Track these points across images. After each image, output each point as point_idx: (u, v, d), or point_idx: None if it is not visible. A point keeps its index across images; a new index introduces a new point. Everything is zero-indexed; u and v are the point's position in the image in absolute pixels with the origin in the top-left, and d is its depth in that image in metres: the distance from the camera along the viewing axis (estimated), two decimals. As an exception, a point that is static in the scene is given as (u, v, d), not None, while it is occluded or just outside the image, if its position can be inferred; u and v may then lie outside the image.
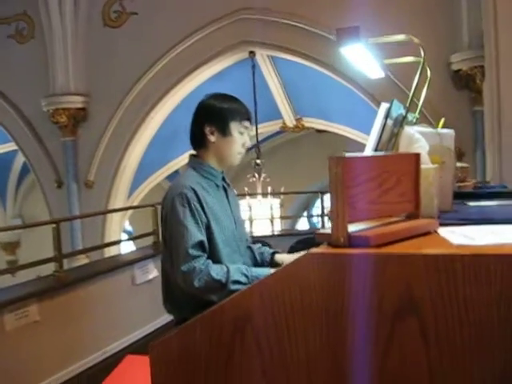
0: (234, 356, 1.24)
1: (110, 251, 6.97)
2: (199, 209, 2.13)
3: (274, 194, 7.28)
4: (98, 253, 6.43)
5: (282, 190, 7.47)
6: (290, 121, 9.55)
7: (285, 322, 1.19)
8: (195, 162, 2.30)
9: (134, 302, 4.23)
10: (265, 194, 7.25)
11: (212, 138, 2.23)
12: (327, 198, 7.59)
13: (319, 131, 11.49)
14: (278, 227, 7.00)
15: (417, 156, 1.46)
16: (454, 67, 6.50)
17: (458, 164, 2.39)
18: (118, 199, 8.65)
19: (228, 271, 2.08)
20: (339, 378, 1.17)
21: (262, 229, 6.61)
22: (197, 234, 2.09)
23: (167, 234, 2.19)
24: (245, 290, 1.25)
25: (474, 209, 1.92)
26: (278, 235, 6.40)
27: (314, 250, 1.20)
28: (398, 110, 1.79)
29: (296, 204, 12.93)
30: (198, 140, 2.28)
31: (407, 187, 1.43)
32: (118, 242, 5.58)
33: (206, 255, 2.11)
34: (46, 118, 8.55)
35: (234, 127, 2.24)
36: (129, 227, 12.50)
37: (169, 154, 9.61)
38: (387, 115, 1.66)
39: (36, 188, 12.18)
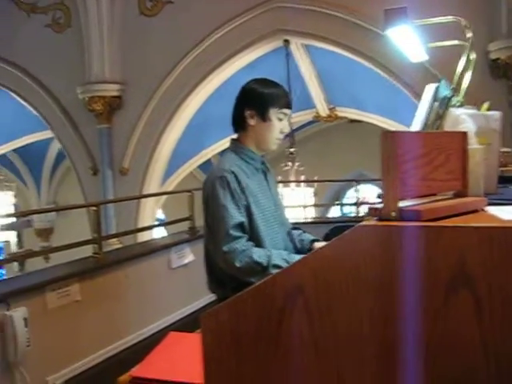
0: (284, 326, 1.27)
1: (144, 237, 7.10)
2: (239, 191, 2.18)
3: (308, 181, 7.30)
4: (131, 239, 6.54)
5: (316, 178, 7.48)
6: (323, 110, 9.53)
7: (337, 294, 1.21)
8: (236, 146, 2.35)
9: (170, 285, 4.30)
10: (299, 182, 7.27)
11: (251, 122, 2.28)
12: (361, 187, 7.60)
13: (352, 121, 11.46)
14: (310, 215, 7.03)
15: (464, 134, 1.47)
16: (492, 56, 6.41)
17: (501, 149, 2.37)
18: (152, 187, 8.76)
19: (270, 255, 2.12)
20: (389, 348, 1.19)
21: (294, 216, 6.64)
22: (237, 216, 2.14)
23: (209, 217, 2.24)
24: (297, 262, 1.27)
25: (519, 192, 1.92)
26: (311, 222, 6.42)
27: (365, 222, 1.22)
28: (445, 91, 1.79)
29: (328, 194, 12.92)
30: (238, 123, 2.34)
31: (455, 165, 1.44)
32: (154, 226, 5.69)
33: (246, 236, 2.15)
34: (82, 106, 8.69)
35: (273, 113, 2.28)
36: (161, 215, 12.65)
37: (201, 142, 9.68)
38: (435, 95, 1.66)
39: (70, 175, 12.45)
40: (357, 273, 1.19)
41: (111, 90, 8.55)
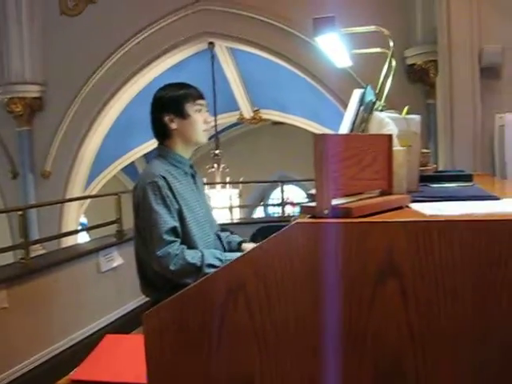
0: (226, 322, 1.33)
1: (68, 242, 6.96)
2: (170, 196, 2.21)
3: (234, 183, 7.39)
4: (54, 245, 6.40)
5: (241, 180, 7.58)
6: (247, 112, 9.66)
7: (275, 288, 1.29)
8: (163, 151, 2.37)
9: (100, 289, 4.27)
10: (224, 184, 7.34)
11: (173, 125, 2.32)
12: (285, 188, 7.76)
13: (276, 123, 11.66)
14: (236, 216, 7.13)
15: (389, 137, 1.58)
16: (409, 61, 6.73)
17: (421, 150, 2.53)
18: (76, 190, 8.60)
19: (202, 255, 2.16)
20: (325, 338, 1.27)
21: (220, 217, 6.72)
22: (170, 220, 2.17)
23: (140, 222, 2.25)
24: (237, 259, 1.33)
25: (437, 189, 2.06)
26: (237, 223, 6.52)
27: (300, 220, 1.30)
28: (370, 95, 1.90)
29: (253, 195, 13.07)
30: (161, 131, 2.36)
31: (381, 165, 1.54)
32: (82, 230, 5.62)
33: (179, 240, 2.19)
34: (1, 108, 8.42)
35: (190, 107, 2.33)
36: (84, 220, 12.39)
37: (126, 145, 9.61)
38: (361, 100, 1.77)
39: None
40: (293, 268, 1.27)
41: (31, 91, 8.34)
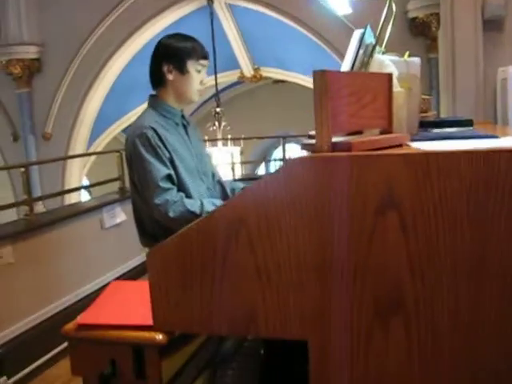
0: (228, 256, 1.36)
1: (71, 200, 7.01)
2: (161, 145, 2.20)
3: (235, 139, 7.38)
4: (56, 202, 6.44)
5: (243, 137, 7.58)
6: (247, 71, 9.57)
7: (276, 222, 1.31)
8: (154, 102, 2.36)
9: (104, 245, 4.30)
10: (226, 140, 7.34)
11: (170, 77, 2.30)
12: (287, 147, 7.76)
13: (276, 82, 11.57)
14: (238, 173, 7.15)
15: (390, 76, 1.58)
16: (411, 15, 6.63)
17: (422, 96, 2.52)
18: (77, 151, 8.60)
19: (202, 204, 2.18)
20: (327, 269, 1.30)
21: (223, 174, 6.71)
22: (163, 169, 2.17)
23: (134, 174, 2.25)
24: (238, 196, 1.35)
25: (438, 133, 2.06)
26: (239, 179, 6.53)
27: (301, 155, 1.31)
28: (369, 38, 1.88)
29: (254, 154, 13.05)
30: (157, 79, 2.34)
31: (381, 104, 1.55)
32: (86, 187, 5.66)
33: (175, 188, 2.20)
34: (0, 70, 8.34)
35: (191, 65, 2.31)
36: (86, 182, 12.42)
37: (126, 105, 9.55)
38: (361, 41, 1.76)
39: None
40: (294, 202, 1.29)
41: (30, 52, 8.25)
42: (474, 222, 1.20)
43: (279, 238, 1.31)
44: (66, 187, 8.37)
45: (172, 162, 2.23)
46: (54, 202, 6.47)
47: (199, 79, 2.35)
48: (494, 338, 1.24)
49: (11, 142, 8.73)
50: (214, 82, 7.84)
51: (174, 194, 2.15)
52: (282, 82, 10.85)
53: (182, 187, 2.25)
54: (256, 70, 9.54)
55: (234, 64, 9.40)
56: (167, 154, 2.21)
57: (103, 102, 8.67)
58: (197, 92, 2.37)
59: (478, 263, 1.23)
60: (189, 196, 2.25)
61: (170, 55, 2.30)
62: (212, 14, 8.02)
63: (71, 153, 8.49)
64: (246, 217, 1.32)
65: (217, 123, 7.80)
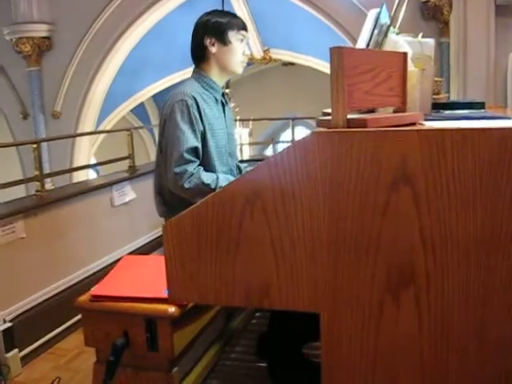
0: (244, 228, 1.38)
1: (79, 178, 7.06)
2: (197, 117, 2.24)
3: (245, 120, 7.38)
4: (64, 181, 6.47)
5: (252, 118, 7.59)
6: (257, 52, 9.53)
7: (291, 196, 1.33)
8: (198, 74, 2.39)
9: (113, 223, 4.34)
10: (235, 122, 7.34)
11: (213, 49, 2.34)
12: (296, 130, 7.76)
13: (285, 64, 11.53)
14: (246, 154, 7.18)
15: (405, 55, 1.59)
16: (423, -2, 6.60)
17: (435, 78, 2.52)
18: (86, 130, 8.61)
19: (217, 178, 2.21)
20: (340, 243, 1.33)
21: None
22: (192, 140, 2.21)
23: (164, 140, 2.29)
24: (255, 169, 1.38)
25: (451, 114, 2.07)
26: (247, 160, 6.56)
27: (317, 130, 1.33)
28: (385, 18, 1.89)
29: (263, 135, 13.05)
30: (200, 54, 2.38)
31: (396, 83, 1.56)
32: (96, 165, 5.73)
33: (198, 161, 2.23)
34: (10, 48, 8.35)
35: (233, 36, 2.35)
36: (93, 160, 12.46)
37: (135, 85, 9.56)
38: (376, 20, 1.77)
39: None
40: (308, 176, 1.32)
41: (40, 30, 8.23)
42: (485, 198, 1.22)
43: (294, 211, 1.34)
44: (75, 165, 8.43)
45: (204, 135, 2.28)
46: (62, 179, 6.51)
47: (241, 49, 2.38)
48: (503, 312, 1.27)
49: (21, 120, 8.76)
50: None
51: (194, 167, 2.19)
52: (292, 64, 10.81)
53: (208, 162, 2.29)
54: (266, 51, 9.50)
55: (243, 45, 9.37)
56: (201, 127, 2.25)
57: (113, 81, 8.67)
58: (240, 63, 2.40)
59: (489, 238, 1.25)
60: (212, 171, 2.28)
61: (211, 28, 2.34)
62: (223, -5, 7.99)
63: (80, 131, 8.51)
64: (261, 190, 1.35)
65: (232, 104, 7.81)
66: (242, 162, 2.75)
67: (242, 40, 2.37)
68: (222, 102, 2.44)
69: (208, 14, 2.39)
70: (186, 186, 2.15)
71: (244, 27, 2.40)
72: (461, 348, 1.31)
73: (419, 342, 1.33)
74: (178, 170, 2.16)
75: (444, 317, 1.30)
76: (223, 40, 2.33)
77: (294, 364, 2.36)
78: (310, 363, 2.38)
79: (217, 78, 2.39)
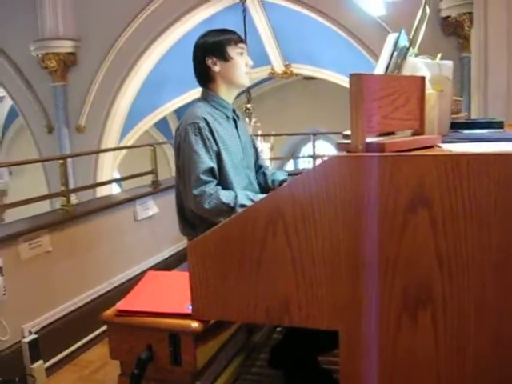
0: (266, 248, 1.44)
1: (103, 193, 7.17)
2: (210, 138, 2.31)
3: (266, 135, 7.46)
4: (88, 195, 6.58)
5: (273, 133, 7.66)
6: (278, 67, 9.62)
7: (312, 217, 1.38)
8: (207, 94, 2.46)
9: (136, 236, 4.42)
10: (256, 136, 7.42)
11: (216, 68, 2.41)
12: (317, 143, 7.80)
13: (306, 78, 11.61)
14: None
15: (423, 79, 1.64)
16: (443, 14, 6.61)
17: (453, 97, 2.56)
18: (109, 144, 8.78)
19: (236, 196, 2.27)
20: (359, 263, 1.37)
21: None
22: (208, 161, 2.27)
23: (180, 162, 2.36)
24: (278, 190, 1.43)
25: (468, 134, 2.11)
26: (291, 174, 6.60)
27: (337, 154, 1.38)
28: (403, 41, 1.94)
29: (283, 150, 13.13)
30: (204, 75, 2.45)
31: (414, 106, 1.61)
32: (121, 179, 5.84)
33: (216, 181, 2.30)
34: (36, 63, 8.57)
35: (232, 50, 2.41)
36: (116, 174, 12.64)
37: (158, 100, 9.70)
38: (395, 44, 1.82)
39: (23, 134, 12.21)
40: (329, 197, 1.37)
41: (65, 46, 8.45)
42: (500, 220, 1.26)
43: (314, 231, 1.39)
44: (98, 180, 8.57)
45: (219, 154, 2.34)
46: (86, 194, 6.63)
47: (243, 62, 2.45)
48: (517, 332, 1.30)
49: (46, 134, 8.95)
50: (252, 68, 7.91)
51: (211, 187, 2.25)
52: (312, 78, 10.88)
53: (225, 180, 2.35)
54: (287, 66, 9.58)
55: (264, 60, 9.46)
56: (215, 147, 2.32)
57: (136, 95, 8.82)
58: (245, 75, 2.47)
59: (504, 259, 1.28)
60: (230, 189, 2.34)
61: (210, 49, 2.41)
62: (245, 11, 8.10)
63: (104, 145, 8.67)
64: (283, 210, 1.40)
65: (247, 119, 7.89)
66: (289, 174, 2.80)
67: (241, 53, 2.44)
68: (233, 118, 2.51)
69: (203, 35, 2.46)
70: (207, 207, 2.21)
71: (241, 40, 2.46)
72: (477, 367, 1.34)
73: (435, 361, 1.36)
74: (196, 192, 2.22)
75: (460, 336, 1.33)
76: (224, 57, 2.39)
77: (311, 373, 2.40)
78: (326, 372, 2.43)
79: (225, 94, 2.46)
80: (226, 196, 2.25)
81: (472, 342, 1.34)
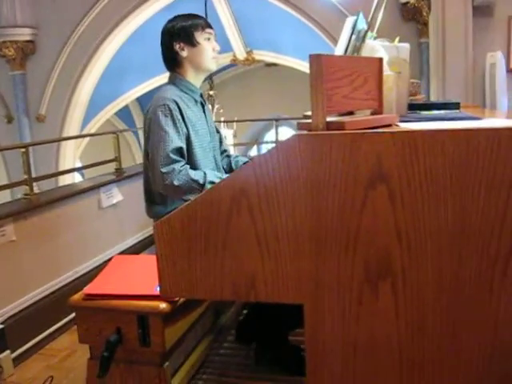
0: (231, 226, 1.47)
1: (65, 181, 7.09)
2: (180, 119, 2.33)
3: (229, 121, 7.47)
4: (50, 184, 6.51)
5: (236, 119, 7.68)
6: (240, 53, 9.64)
7: (275, 194, 1.42)
8: (175, 78, 2.48)
9: (102, 224, 4.41)
10: (219, 123, 7.43)
11: (184, 53, 2.43)
12: (280, 130, 7.84)
13: (269, 65, 11.64)
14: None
15: (380, 60, 1.69)
16: (402, 0, 6.71)
17: (411, 80, 2.63)
18: (71, 133, 8.67)
19: (205, 174, 2.29)
20: (321, 238, 1.42)
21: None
22: (177, 141, 2.29)
23: (150, 145, 2.36)
24: (241, 169, 1.46)
25: (426, 114, 2.17)
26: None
27: (298, 132, 1.42)
28: (362, 24, 1.98)
29: (247, 136, 13.15)
30: (172, 60, 2.47)
31: (372, 86, 1.66)
32: (83, 168, 5.73)
33: (184, 161, 2.31)
34: (-7, 52, 8.40)
35: (199, 36, 2.44)
36: (78, 163, 12.48)
37: (119, 88, 9.61)
38: (354, 27, 1.86)
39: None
40: (291, 175, 1.41)
41: (23, 34, 8.30)
42: (455, 193, 1.32)
43: (277, 208, 1.43)
44: (60, 169, 8.46)
45: (188, 137, 2.36)
46: (48, 183, 6.55)
47: (211, 47, 2.47)
48: (474, 299, 1.37)
49: (5, 124, 8.79)
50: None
51: (180, 165, 2.27)
52: (275, 65, 10.92)
53: (193, 162, 2.37)
54: (249, 52, 9.61)
55: (226, 47, 9.45)
56: (184, 129, 2.34)
57: (97, 84, 8.72)
58: (212, 60, 2.49)
59: (459, 231, 1.35)
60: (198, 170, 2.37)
61: (178, 34, 2.43)
62: (206, -2, 8.08)
63: (65, 135, 8.56)
64: (247, 188, 1.43)
65: (210, 106, 7.89)
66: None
67: (209, 38, 2.46)
68: (201, 102, 2.54)
69: (171, 20, 2.48)
70: (176, 183, 2.23)
71: (208, 25, 2.49)
72: (436, 335, 1.41)
73: (397, 330, 1.42)
74: (165, 169, 2.24)
75: (419, 306, 1.39)
76: (191, 42, 2.42)
77: (279, 350, 2.46)
78: (295, 348, 2.49)
79: (193, 79, 2.48)
80: (195, 173, 2.27)
81: (430, 312, 1.40)
